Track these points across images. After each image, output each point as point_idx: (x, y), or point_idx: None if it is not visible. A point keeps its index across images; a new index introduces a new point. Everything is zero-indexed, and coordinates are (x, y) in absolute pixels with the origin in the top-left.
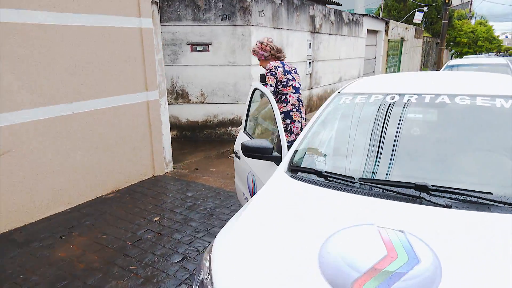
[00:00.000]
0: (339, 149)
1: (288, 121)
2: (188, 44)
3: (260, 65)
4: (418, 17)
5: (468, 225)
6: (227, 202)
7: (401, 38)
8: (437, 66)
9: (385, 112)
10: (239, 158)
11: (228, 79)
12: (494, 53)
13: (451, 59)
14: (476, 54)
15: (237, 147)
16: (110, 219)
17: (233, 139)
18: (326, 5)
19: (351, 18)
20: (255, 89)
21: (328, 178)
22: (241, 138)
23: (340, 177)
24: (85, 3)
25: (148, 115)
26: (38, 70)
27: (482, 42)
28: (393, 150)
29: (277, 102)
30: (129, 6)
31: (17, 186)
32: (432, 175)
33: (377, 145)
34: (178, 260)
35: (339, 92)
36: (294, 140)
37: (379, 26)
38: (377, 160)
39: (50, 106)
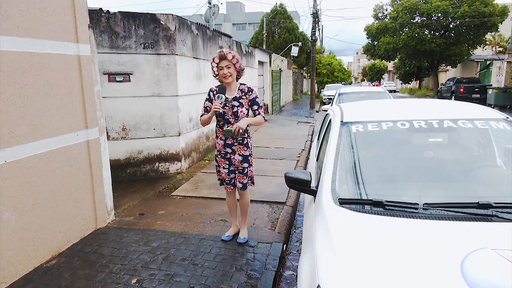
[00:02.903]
0: (382, 177)
1: (245, 134)
2: (105, 74)
3: (226, 76)
4: (295, 50)
5: None
6: (204, 246)
7: (280, 69)
8: (311, 94)
9: (409, 138)
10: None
11: (153, 111)
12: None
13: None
14: (334, 83)
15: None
16: None
17: (161, 176)
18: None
19: (247, 50)
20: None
21: (387, 207)
22: (311, 168)
23: (403, 205)
24: (16, 24)
25: (89, 157)
26: None
27: (337, 73)
28: (439, 173)
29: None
30: (65, 30)
31: None
32: (483, 193)
33: (423, 169)
34: None
35: (342, 121)
36: (251, 154)
37: (265, 58)
38: (430, 183)
39: None
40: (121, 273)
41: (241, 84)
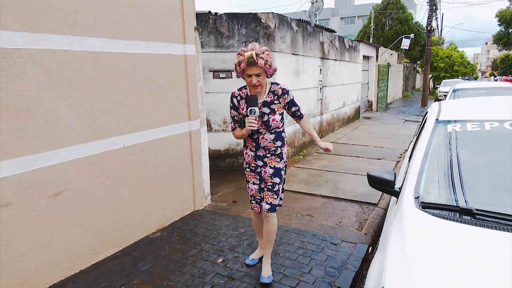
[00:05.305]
0: (477, 184)
1: (279, 143)
2: (210, 71)
3: (256, 86)
4: (406, 43)
5: None
6: (286, 237)
7: (388, 63)
8: (424, 89)
9: None
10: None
11: None
12: (462, 78)
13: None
14: (453, 78)
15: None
16: (168, 263)
17: None
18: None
19: (350, 44)
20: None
21: (477, 216)
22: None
23: (498, 215)
24: (134, 29)
25: (190, 146)
26: (91, 101)
27: (457, 67)
28: None
29: (282, 126)
30: (175, 32)
31: (68, 230)
32: None
33: None
34: None
35: (437, 119)
36: (284, 167)
37: (371, 52)
38: None
39: (103, 140)
40: (210, 251)
41: (272, 84)
